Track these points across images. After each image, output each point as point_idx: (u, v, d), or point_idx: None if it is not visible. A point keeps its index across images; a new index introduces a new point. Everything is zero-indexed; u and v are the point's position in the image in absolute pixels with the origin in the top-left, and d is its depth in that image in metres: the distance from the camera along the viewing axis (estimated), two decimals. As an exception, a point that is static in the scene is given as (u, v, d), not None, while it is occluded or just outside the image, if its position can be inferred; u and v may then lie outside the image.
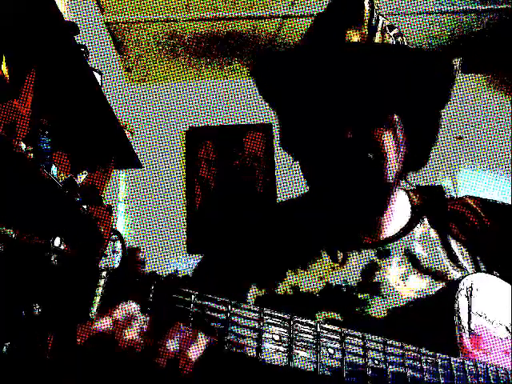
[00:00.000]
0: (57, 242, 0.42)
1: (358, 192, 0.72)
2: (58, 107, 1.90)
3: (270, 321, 0.49)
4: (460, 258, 0.76)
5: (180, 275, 2.83)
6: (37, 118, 1.65)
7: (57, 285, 0.42)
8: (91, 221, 2.01)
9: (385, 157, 0.71)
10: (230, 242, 0.88)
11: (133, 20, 2.86)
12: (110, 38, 3.00)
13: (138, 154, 2.72)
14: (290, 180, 3.08)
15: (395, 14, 2.74)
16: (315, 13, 0.78)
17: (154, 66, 3.34)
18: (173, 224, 3.19)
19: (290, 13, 2.80)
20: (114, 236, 2.54)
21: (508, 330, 0.68)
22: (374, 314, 0.70)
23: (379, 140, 0.70)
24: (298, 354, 0.48)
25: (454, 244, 0.78)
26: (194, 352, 0.45)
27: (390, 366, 0.53)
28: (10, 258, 0.41)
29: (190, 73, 3.43)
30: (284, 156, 0.88)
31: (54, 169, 1.73)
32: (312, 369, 0.48)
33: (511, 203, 0.86)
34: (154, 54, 3.21)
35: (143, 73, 3.41)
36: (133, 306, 0.45)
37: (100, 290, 0.44)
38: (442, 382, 0.56)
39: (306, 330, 0.50)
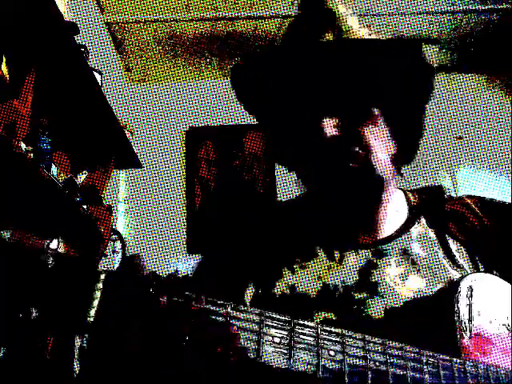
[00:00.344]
0: (54, 244, 0.42)
1: (350, 188, 0.72)
2: (57, 107, 1.90)
3: (270, 323, 0.49)
4: (458, 257, 0.76)
5: (180, 275, 2.83)
6: (37, 118, 1.65)
7: (55, 288, 0.42)
8: (91, 221, 2.01)
9: (370, 149, 0.71)
10: (229, 241, 0.88)
11: (133, 20, 2.86)
12: (110, 38, 3.00)
13: (138, 154, 2.72)
14: (290, 180, 3.07)
15: (395, 14, 2.74)
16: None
17: (154, 66, 3.34)
18: (173, 224, 3.19)
19: (289, 13, 2.80)
20: (114, 236, 2.55)
21: (508, 329, 0.68)
22: (372, 314, 0.71)
23: (362, 134, 0.71)
24: (298, 356, 0.48)
25: (452, 244, 0.78)
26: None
27: (391, 368, 0.53)
28: (4, 261, 0.40)
29: (190, 73, 3.43)
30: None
31: (53, 169, 1.73)
32: (313, 371, 0.48)
33: (511, 203, 0.86)
34: (154, 54, 3.21)
35: (143, 73, 3.41)
36: None
37: (98, 292, 0.44)
38: (444, 383, 0.56)
39: (306, 332, 0.50)
